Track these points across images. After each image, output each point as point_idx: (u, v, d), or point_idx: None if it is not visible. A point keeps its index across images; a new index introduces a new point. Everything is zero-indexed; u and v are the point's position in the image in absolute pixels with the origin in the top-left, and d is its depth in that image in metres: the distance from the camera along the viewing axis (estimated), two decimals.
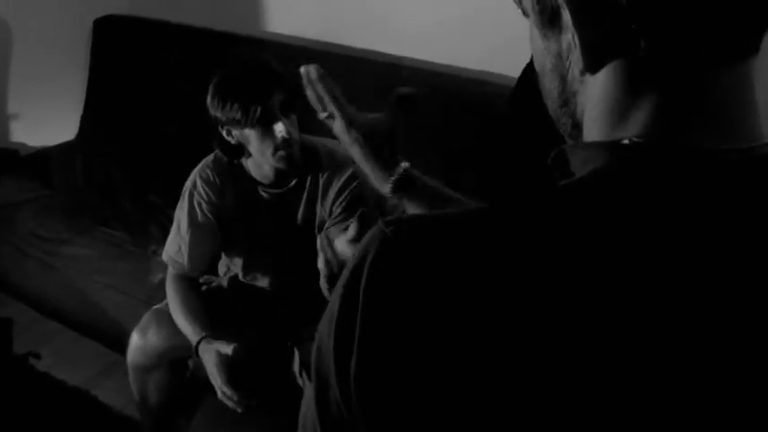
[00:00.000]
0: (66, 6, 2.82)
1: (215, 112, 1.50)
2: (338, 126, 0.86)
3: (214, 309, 1.65)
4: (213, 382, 1.53)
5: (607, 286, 0.37)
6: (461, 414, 0.37)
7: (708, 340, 0.37)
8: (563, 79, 0.46)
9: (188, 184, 1.66)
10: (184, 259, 1.65)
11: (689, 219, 0.38)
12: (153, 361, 1.70)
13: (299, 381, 1.62)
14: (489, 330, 0.37)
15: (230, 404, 1.53)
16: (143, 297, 1.98)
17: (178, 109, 2.61)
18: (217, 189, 1.64)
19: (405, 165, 0.84)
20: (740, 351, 0.37)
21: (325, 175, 1.61)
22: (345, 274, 0.42)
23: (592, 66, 0.43)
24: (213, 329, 1.57)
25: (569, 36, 0.43)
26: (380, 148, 0.85)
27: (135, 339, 1.70)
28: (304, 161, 1.60)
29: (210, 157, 1.67)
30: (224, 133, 1.55)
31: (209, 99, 1.51)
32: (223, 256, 1.76)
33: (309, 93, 0.86)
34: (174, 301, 1.63)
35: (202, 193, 1.63)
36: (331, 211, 1.61)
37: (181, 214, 1.66)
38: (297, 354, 1.64)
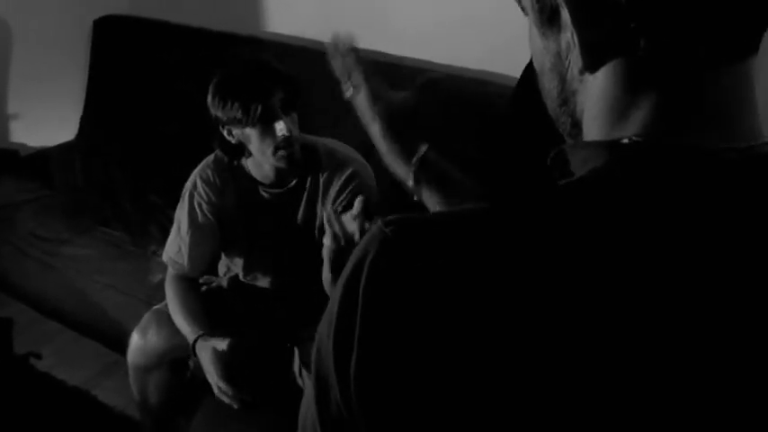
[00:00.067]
0: (65, 6, 2.82)
1: (216, 111, 1.50)
2: (362, 99, 0.83)
3: (214, 309, 1.65)
4: (209, 378, 1.53)
5: (607, 286, 0.37)
6: (461, 414, 0.37)
7: (708, 340, 0.37)
8: (562, 78, 0.46)
9: (188, 184, 1.66)
10: (184, 260, 1.65)
11: (688, 218, 0.38)
12: (153, 361, 1.70)
13: (299, 381, 1.62)
14: (489, 330, 0.37)
15: (226, 400, 1.53)
16: (143, 297, 1.98)
17: (178, 109, 2.61)
18: (217, 189, 1.64)
19: (425, 148, 0.82)
20: (740, 350, 0.37)
21: (325, 175, 1.61)
22: (345, 273, 0.42)
23: (591, 65, 0.43)
24: (213, 329, 1.57)
25: (568, 35, 0.43)
26: (401, 128, 0.82)
27: (135, 339, 1.70)
28: (304, 161, 1.60)
29: (211, 157, 1.66)
30: (225, 133, 1.55)
31: (209, 99, 1.51)
32: (223, 256, 1.76)
33: (336, 63, 0.83)
34: (173, 302, 1.63)
35: (202, 193, 1.63)
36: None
37: (181, 215, 1.66)
38: (297, 354, 1.64)
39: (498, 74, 1.97)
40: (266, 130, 1.48)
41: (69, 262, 2.21)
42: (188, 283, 1.68)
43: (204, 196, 1.63)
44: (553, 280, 0.38)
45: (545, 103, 0.50)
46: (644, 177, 0.40)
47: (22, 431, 1.89)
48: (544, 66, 0.47)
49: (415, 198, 0.83)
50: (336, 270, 1.41)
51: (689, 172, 0.39)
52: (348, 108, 2.56)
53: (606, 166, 0.41)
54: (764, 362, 0.37)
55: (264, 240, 1.67)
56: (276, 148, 1.50)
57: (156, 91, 2.72)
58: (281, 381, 1.67)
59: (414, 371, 0.38)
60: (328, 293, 1.47)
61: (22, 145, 2.93)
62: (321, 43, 2.75)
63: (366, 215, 1.28)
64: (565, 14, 0.42)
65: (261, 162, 1.58)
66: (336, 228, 1.30)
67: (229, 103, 1.46)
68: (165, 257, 1.70)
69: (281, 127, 1.47)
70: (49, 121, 2.91)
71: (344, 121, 2.24)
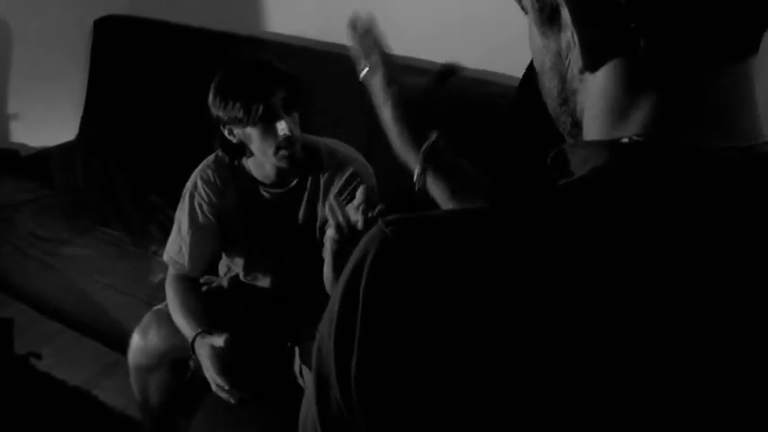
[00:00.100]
0: (66, 6, 2.82)
1: (217, 111, 1.50)
2: (377, 81, 0.82)
3: (214, 309, 1.65)
4: (206, 374, 1.53)
5: (607, 286, 0.37)
6: (461, 414, 0.37)
7: (708, 339, 0.37)
8: (562, 78, 0.46)
9: (188, 184, 1.66)
10: (185, 260, 1.65)
11: (689, 218, 0.38)
12: (154, 361, 1.70)
13: (300, 381, 1.62)
14: (489, 330, 0.37)
15: (223, 395, 1.53)
16: (143, 297, 1.98)
17: (178, 109, 2.61)
18: (217, 190, 1.64)
19: (435, 135, 0.81)
20: (740, 350, 0.37)
21: (326, 175, 1.61)
22: (345, 273, 0.42)
23: (591, 64, 0.43)
24: (213, 329, 1.57)
25: (568, 34, 0.43)
26: (413, 114, 0.81)
27: (136, 340, 1.70)
28: (305, 161, 1.60)
29: (211, 157, 1.66)
30: (226, 132, 1.55)
31: (210, 98, 1.51)
32: (224, 256, 1.76)
33: (354, 42, 0.82)
34: (173, 302, 1.63)
35: (203, 193, 1.63)
36: None
37: (181, 215, 1.66)
38: (297, 354, 1.64)
39: (499, 74, 1.97)
40: (268, 129, 1.48)
41: (69, 262, 2.21)
42: (188, 283, 1.68)
43: (204, 196, 1.63)
44: (553, 280, 0.38)
45: (545, 102, 0.50)
46: (644, 177, 0.40)
47: (22, 431, 1.89)
48: (544, 65, 0.47)
49: (418, 187, 0.82)
50: (338, 264, 1.41)
51: (689, 172, 0.39)
52: (348, 108, 2.56)
53: (606, 166, 0.41)
54: (764, 362, 0.37)
55: (265, 240, 1.67)
56: (277, 148, 1.50)
57: (157, 91, 2.72)
58: (281, 380, 1.67)
59: (414, 371, 0.38)
60: (329, 292, 1.47)
61: (23, 145, 2.93)
62: (321, 43, 2.74)
63: (369, 204, 1.28)
64: (565, 14, 0.42)
65: (262, 162, 1.58)
66: (340, 217, 1.30)
67: (231, 103, 1.46)
68: (165, 257, 1.70)
69: (282, 126, 1.47)
70: (50, 121, 2.91)
71: (345, 122, 2.25)
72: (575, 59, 0.44)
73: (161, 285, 1.72)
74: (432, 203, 0.84)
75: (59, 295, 2.20)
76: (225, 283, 1.78)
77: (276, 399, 1.64)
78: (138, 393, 1.77)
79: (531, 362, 0.37)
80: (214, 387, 1.53)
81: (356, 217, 1.30)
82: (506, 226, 0.40)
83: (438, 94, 0.83)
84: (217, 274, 1.82)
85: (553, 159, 0.46)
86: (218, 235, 1.66)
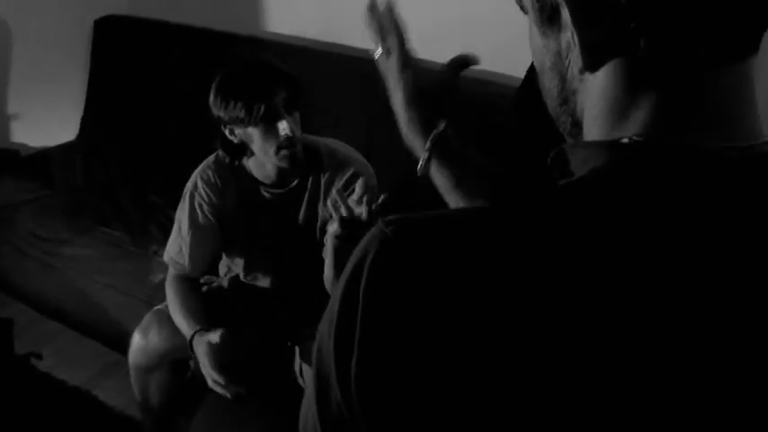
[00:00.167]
0: (65, 6, 2.82)
1: (218, 111, 1.50)
2: (391, 64, 0.81)
3: (215, 309, 1.65)
4: (203, 370, 1.53)
5: (607, 286, 0.37)
6: (461, 414, 0.37)
7: (708, 339, 0.37)
8: (562, 78, 0.46)
9: (189, 185, 1.66)
10: (185, 260, 1.65)
11: (689, 218, 0.38)
12: (154, 361, 1.70)
13: (300, 381, 1.62)
14: (489, 330, 0.37)
15: (219, 390, 1.53)
16: (143, 297, 1.98)
17: (178, 109, 2.61)
18: (218, 190, 1.64)
19: (444, 123, 0.80)
20: (740, 350, 0.37)
21: (326, 175, 1.61)
22: (346, 273, 0.42)
23: (591, 65, 0.43)
24: (212, 327, 1.57)
25: (568, 34, 0.43)
26: (425, 101, 0.80)
27: (136, 340, 1.70)
28: (306, 161, 1.60)
29: (211, 158, 1.66)
30: (226, 132, 1.55)
31: (211, 98, 1.51)
32: (224, 256, 1.76)
33: (371, 22, 0.81)
34: (173, 302, 1.63)
35: (203, 194, 1.63)
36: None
37: (182, 215, 1.66)
38: (297, 354, 1.64)
39: (499, 74, 1.97)
40: (269, 129, 1.48)
41: (70, 262, 2.21)
42: (188, 284, 1.68)
43: (205, 197, 1.63)
44: (553, 280, 0.37)
45: (545, 102, 0.50)
46: (644, 177, 0.40)
47: (23, 431, 1.89)
48: (544, 65, 0.47)
49: (420, 173, 0.81)
50: (339, 263, 1.41)
51: (689, 171, 0.39)
52: (348, 108, 2.56)
53: (606, 166, 0.41)
54: (764, 362, 0.37)
55: (265, 240, 1.67)
56: (279, 148, 1.50)
57: (157, 91, 2.72)
58: (281, 380, 1.67)
59: (414, 371, 0.38)
60: (330, 292, 1.47)
61: (23, 145, 2.93)
62: (321, 43, 2.74)
63: (372, 196, 1.28)
64: (565, 14, 0.42)
65: (263, 162, 1.58)
66: (344, 211, 1.30)
67: (232, 103, 1.46)
68: (165, 257, 1.70)
69: (283, 126, 1.47)
70: (50, 121, 2.92)
71: (345, 122, 2.25)
72: (575, 59, 0.44)
73: (161, 285, 1.72)
74: (432, 203, 0.83)
75: (59, 295, 2.20)
76: (225, 283, 1.78)
77: (276, 399, 1.64)
78: (138, 393, 1.77)
79: (531, 362, 0.37)
80: (210, 383, 1.53)
81: (359, 210, 1.30)
82: (506, 226, 0.40)
83: (451, 84, 0.82)
84: (217, 275, 1.82)
85: (553, 159, 0.46)
86: (218, 235, 1.66)
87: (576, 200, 0.41)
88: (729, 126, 0.41)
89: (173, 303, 1.63)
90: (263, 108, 1.45)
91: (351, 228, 1.32)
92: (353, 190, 1.59)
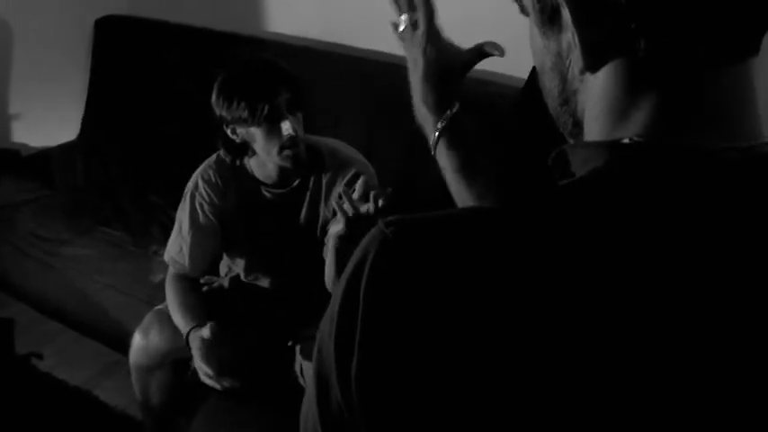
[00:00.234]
0: (66, 6, 2.82)
1: (220, 110, 1.50)
2: (415, 39, 0.80)
3: (215, 309, 1.66)
4: (195, 364, 1.53)
5: (607, 286, 0.37)
6: (462, 415, 0.37)
7: (708, 340, 0.37)
8: (563, 78, 0.46)
9: (190, 185, 1.66)
10: (185, 260, 1.65)
11: (689, 218, 0.38)
12: (155, 361, 1.70)
13: (300, 380, 1.62)
14: (489, 331, 0.37)
15: (209, 383, 1.53)
16: (143, 297, 1.98)
17: (178, 109, 2.61)
18: (219, 190, 1.64)
19: (458, 105, 0.79)
20: (740, 350, 0.37)
21: (328, 175, 1.61)
22: (346, 273, 0.42)
23: (592, 65, 0.43)
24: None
25: (569, 35, 0.43)
26: (443, 79, 0.79)
27: (137, 340, 1.70)
28: (308, 161, 1.60)
29: (212, 158, 1.66)
30: (228, 132, 1.54)
31: (213, 98, 1.51)
32: (224, 256, 1.76)
33: None
34: (172, 300, 1.63)
35: (204, 194, 1.63)
36: (334, 211, 1.61)
37: (182, 215, 1.66)
38: (298, 353, 1.64)
39: (499, 74, 1.97)
40: (272, 129, 1.48)
41: (70, 262, 2.21)
42: (188, 283, 1.68)
43: (206, 197, 1.63)
44: (553, 281, 0.38)
45: (546, 102, 0.50)
46: (644, 177, 0.40)
47: (23, 431, 1.89)
48: (545, 65, 0.47)
49: (434, 152, 0.80)
50: (340, 264, 1.41)
51: (689, 172, 0.39)
52: (349, 108, 2.54)
53: (606, 167, 0.41)
54: (764, 362, 0.37)
55: (266, 240, 1.67)
56: (281, 148, 1.50)
57: (157, 91, 2.72)
58: (281, 380, 1.67)
59: (414, 372, 0.38)
60: (330, 291, 1.47)
61: (24, 145, 2.93)
62: (322, 43, 2.73)
63: (378, 192, 1.28)
64: (565, 14, 0.42)
65: (265, 162, 1.58)
66: (350, 210, 1.29)
67: (235, 103, 1.46)
68: (166, 257, 1.70)
69: (286, 127, 1.47)
70: (50, 121, 2.92)
71: (345, 122, 2.25)
72: (575, 60, 0.44)
73: (161, 285, 1.72)
74: (432, 203, 0.83)
75: (60, 295, 2.20)
76: (226, 283, 1.78)
77: (276, 399, 1.64)
78: (139, 393, 1.77)
79: (531, 362, 0.37)
80: (202, 376, 1.53)
81: (365, 207, 1.29)
82: (505, 227, 0.40)
83: (469, 68, 0.81)
84: (217, 275, 1.82)
85: (554, 160, 0.47)
86: (219, 235, 1.66)
87: (575, 200, 0.41)
88: (729, 126, 0.41)
89: (171, 301, 1.63)
90: (266, 108, 1.45)
91: (355, 227, 1.32)
92: (350, 178, 1.59)
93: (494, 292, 0.38)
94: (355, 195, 1.30)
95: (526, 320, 0.37)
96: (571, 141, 0.49)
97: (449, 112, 0.79)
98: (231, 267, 1.77)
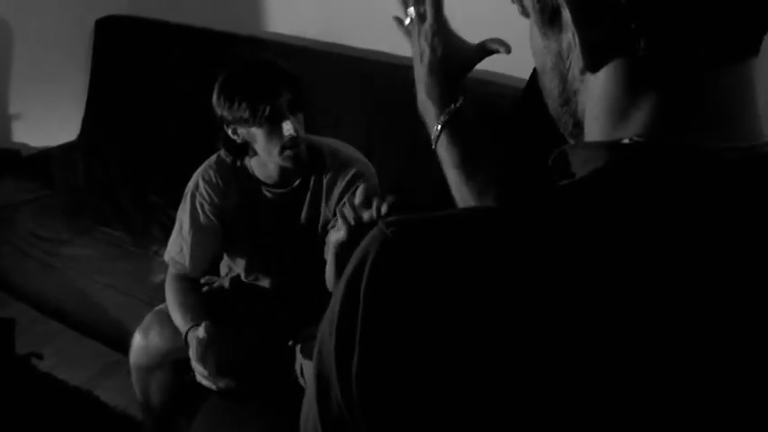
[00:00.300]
0: (66, 7, 2.82)
1: (221, 110, 1.50)
2: (423, 31, 0.79)
3: (215, 309, 1.66)
4: (192, 364, 1.53)
5: (607, 286, 0.37)
6: (462, 414, 0.37)
7: (708, 340, 0.37)
8: (563, 78, 0.46)
9: (190, 185, 1.66)
10: (186, 260, 1.65)
11: (689, 218, 0.38)
12: (155, 361, 1.70)
13: (301, 380, 1.62)
14: (489, 331, 0.38)
15: (205, 383, 1.52)
16: (144, 297, 1.98)
17: (179, 109, 2.61)
18: (219, 190, 1.64)
19: (462, 99, 0.79)
20: (740, 350, 0.37)
21: (329, 175, 1.61)
22: (346, 274, 0.42)
23: (592, 65, 0.43)
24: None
25: (569, 35, 0.43)
26: (448, 72, 0.79)
27: (137, 340, 1.70)
28: (308, 161, 1.60)
29: (213, 158, 1.67)
30: (229, 132, 1.55)
31: (214, 98, 1.51)
32: (225, 256, 1.76)
33: None
34: (171, 300, 1.63)
35: (204, 194, 1.63)
36: (335, 211, 1.62)
37: (183, 215, 1.66)
38: (298, 353, 1.64)
39: (499, 74, 1.97)
40: (273, 129, 1.48)
41: (70, 262, 2.21)
42: (188, 283, 1.68)
43: (206, 197, 1.63)
44: (553, 281, 0.38)
45: (546, 102, 0.50)
46: (644, 178, 0.40)
47: (23, 431, 1.89)
48: (545, 65, 0.47)
49: (434, 145, 0.80)
50: (340, 265, 1.41)
51: (689, 172, 0.39)
52: (349, 108, 2.54)
53: (606, 167, 0.41)
54: (764, 362, 0.37)
55: (267, 240, 1.67)
56: (283, 148, 1.50)
57: (158, 91, 2.72)
58: (282, 380, 1.67)
59: (414, 371, 0.38)
60: (331, 291, 1.47)
61: (24, 145, 2.93)
62: (321, 43, 2.73)
63: (380, 199, 1.28)
64: (566, 14, 0.42)
65: (265, 162, 1.58)
66: (351, 217, 1.29)
67: (236, 103, 1.46)
68: (166, 257, 1.70)
69: (288, 127, 1.47)
70: (51, 121, 2.92)
71: (345, 122, 2.25)
72: (575, 60, 0.44)
73: (162, 286, 1.72)
74: (432, 203, 0.83)
75: (60, 295, 2.20)
76: (226, 283, 1.78)
77: (276, 399, 1.64)
78: (139, 393, 1.77)
79: (531, 361, 0.37)
80: (198, 376, 1.53)
81: (367, 215, 1.29)
82: (506, 227, 0.40)
83: (479, 61, 0.81)
84: (218, 275, 1.82)
85: (554, 161, 0.47)
86: (219, 235, 1.66)
87: (575, 201, 0.41)
88: (729, 126, 0.41)
89: (171, 301, 1.63)
90: (267, 109, 1.45)
91: (356, 235, 1.32)
92: (357, 188, 1.59)
93: (493, 292, 0.38)
94: (357, 201, 1.30)
95: (526, 320, 0.37)
96: (572, 142, 0.49)
97: (453, 105, 0.79)
98: (231, 267, 1.77)
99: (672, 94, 0.41)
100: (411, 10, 0.81)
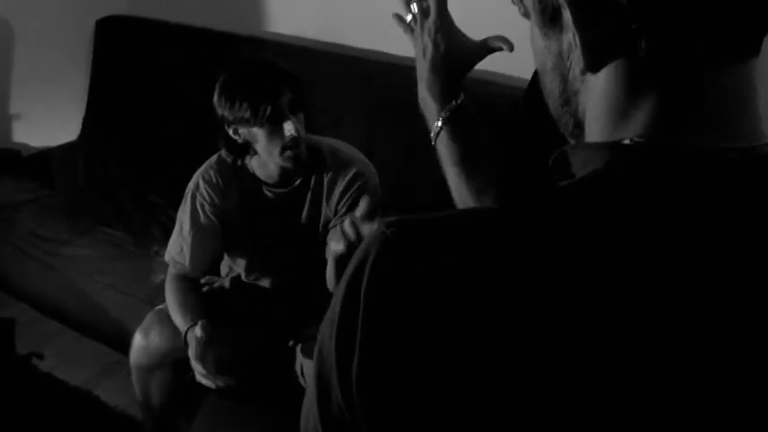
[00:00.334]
0: (66, 7, 2.82)
1: (222, 110, 1.50)
2: (426, 27, 0.79)
3: (216, 309, 1.66)
4: (191, 363, 1.53)
5: (607, 287, 0.37)
6: (463, 415, 0.37)
7: (708, 340, 0.37)
8: (564, 78, 0.46)
9: (191, 185, 1.66)
10: (186, 260, 1.65)
11: (689, 218, 0.38)
12: (156, 361, 1.70)
13: (301, 380, 1.62)
14: (490, 331, 0.38)
15: (204, 381, 1.53)
16: (144, 297, 1.98)
17: (179, 109, 2.61)
18: (220, 190, 1.64)
19: (463, 96, 0.79)
20: (740, 351, 0.37)
21: (329, 175, 1.61)
22: (347, 275, 0.42)
23: (592, 65, 0.43)
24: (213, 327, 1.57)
25: (570, 35, 0.43)
26: (451, 69, 0.79)
27: (138, 340, 1.70)
28: (309, 160, 1.60)
29: (213, 158, 1.67)
30: (230, 132, 1.55)
31: (215, 98, 1.51)
32: (225, 256, 1.76)
33: None
34: (171, 300, 1.63)
35: (205, 194, 1.63)
36: (336, 211, 1.62)
37: (183, 216, 1.66)
38: (298, 353, 1.64)
39: (499, 74, 1.97)
40: (274, 130, 1.48)
41: (70, 262, 2.21)
42: (188, 282, 1.68)
43: (207, 197, 1.63)
44: (553, 282, 0.38)
45: (547, 102, 0.50)
46: (644, 178, 0.40)
47: (24, 431, 1.90)
48: (546, 66, 0.47)
49: (434, 142, 0.80)
50: (341, 269, 1.41)
51: (689, 173, 0.39)
52: (349, 108, 2.54)
53: (607, 168, 0.41)
54: (764, 362, 0.37)
55: (267, 240, 1.67)
56: (283, 148, 1.50)
57: (158, 91, 2.72)
58: (282, 380, 1.67)
59: (415, 372, 0.38)
60: (332, 291, 1.47)
61: (25, 145, 2.93)
62: (321, 43, 2.73)
63: (371, 217, 1.28)
64: (566, 15, 0.42)
65: (266, 161, 1.58)
66: (352, 233, 1.29)
67: (237, 103, 1.46)
68: (167, 257, 1.70)
69: (289, 127, 1.47)
70: (51, 121, 2.92)
71: (345, 121, 2.25)
72: (576, 60, 0.44)
73: (162, 286, 1.72)
74: (431, 203, 0.83)
75: (60, 295, 2.20)
76: (226, 283, 1.78)
77: (277, 399, 1.64)
78: (139, 393, 1.77)
79: (531, 362, 0.37)
80: (197, 376, 1.53)
81: (370, 230, 1.29)
82: (506, 228, 0.40)
83: (481, 59, 0.81)
84: (218, 275, 1.82)
85: (555, 161, 0.47)
86: (219, 236, 1.66)
87: (575, 201, 0.41)
88: (729, 127, 0.41)
89: (171, 301, 1.63)
90: (268, 109, 1.45)
91: (356, 248, 1.31)
92: (356, 189, 1.59)
93: (494, 292, 0.38)
94: (359, 213, 1.30)
95: (526, 321, 0.37)
96: (572, 142, 0.49)
97: (454, 102, 0.78)
98: (232, 267, 1.77)
99: (672, 94, 0.41)
100: (414, 6, 0.80)
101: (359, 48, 2.33)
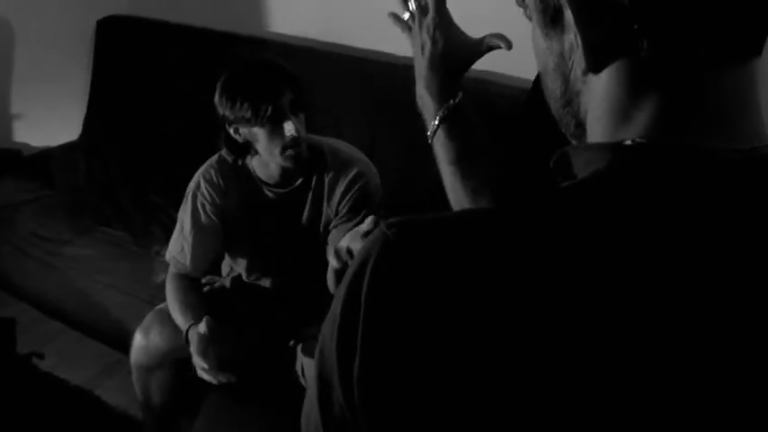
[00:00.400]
0: (67, 7, 2.82)
1: (223, 110, 1.50)
2: (425, 25, 0.78)
3: (217, 309, 1.65)
4: (193, 360, 1.53)
5: (608, 288, 0.37)
6: (464, 416, 0.37)
7: (708, 340, 0.37)
8: (565, 79, 0.46)
9: (191, 185, 1.66)
10: (187, 259, 1.65)
11: (689, 219, 0.38)
12: (156, 361, 1.70)
13: (302, 380, 1.62)
14: (491, 332, 0.38)
15: (206, 377, 1.52)
16: (145, 297, 1.98)
17: (179, 109, 2.61)
18: (220, 191, 1.64)
19: (461, 95, 0.78)
20: (740, 351, 0.37)
21: (330, 175, 1.61)
22: (348, 276, 0.42)
23: (594, 66, 0.43)
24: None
25: (571, 36, 0.43)
26: (449, 67, 0.78)
27: (138, 339, 1.70)
28: (309, 160, 1.60)
29: (214, 158, 1.67)
30: (231, 131, 1.55)
31: (216, 97, 1.51)
32: (226, 256, 1.76)
33: None
34: (172, 299, 1.63)
35: (206, 194, 1.63)
36: (337, 211, 1.62)
37: (184, 215, 1.66)
38: (299, 353, 1.64)
39: (499, 74, 1.97)
40: (275, 130, 1.48)
41: (71, 262, 2.21)
42: (188, 281, 1.68)
43: (207, 197, 1.63)
44: (554, 283, 0.38)
45: (548, 103, 0.50)
46: (645, 179, 0.40)
47: (24, 431, 1.90)
48: (547, 66, 0.47)
49: (431, 140, 0.79)
50: (341, 274, 1.40)
51: (690, 173, 0.39)
52: (349, 108, 2.54)
53: (608, 168, 0.41)
54: (764, 362, 0.37)
55: (268, 240, 1.67)
56: (284, 148, 1.50)
57: (158, 91, 2.72)
58: (282, 380, 1.67)
59: (416, 373, 0.38)
60: (332, 292, 1.47)
61: (25, 145, 2.93)
62: (322, 43, 2.73)
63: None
64: (568, 15, 0.42)
65: (267, 161, 1.58)
66: (346, 258, 1.29)
67: (238, 103, 1.46)
68: (168, 257, 1.70)
69: (289, 127, 1.47)
70: (52, 121, 2.92)
71: (346, 121, 2.25)
72: (578, 61, 0.44)
73: (163, 285, 1.72)
74: (431, 203, 0.83)
75: (61, 295, 2.20)
76: (227, 283, 1.78)
77: (277, 399, 1.64)
78: (140, 393, 1.77)
79: (533, 363, 0.37)
80: (198, 371, 1.53)
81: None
82: (507, 229, 0.40)
83: (480, 57, 0.81)
84: (219, 275, 1.82)
85: (556, 162, 0.47)
86: (220, 235, 1.67)
87: (577, 202, 0.41)
88: (731, 127, 0.41)
89: (171, 300, 1.63)
90: (269, 109, 1.45)
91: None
92: (358, 189, 1.59)
93: (495, 293, 0.38)
94: (364, 229, 1.30)
95: (527, 322, 0.37)
96: (574, 143, 0.49)
97: (452, 101, 0.78)
98: (233, 267, 1.77)
99: (674, 94, 0.41)
100: (412, 3, 0.80)
101: (359, 48, 2.33)
